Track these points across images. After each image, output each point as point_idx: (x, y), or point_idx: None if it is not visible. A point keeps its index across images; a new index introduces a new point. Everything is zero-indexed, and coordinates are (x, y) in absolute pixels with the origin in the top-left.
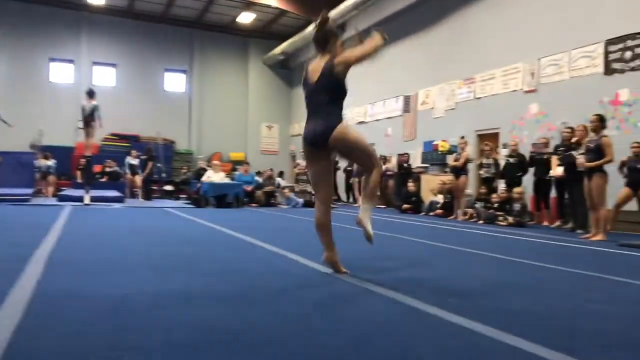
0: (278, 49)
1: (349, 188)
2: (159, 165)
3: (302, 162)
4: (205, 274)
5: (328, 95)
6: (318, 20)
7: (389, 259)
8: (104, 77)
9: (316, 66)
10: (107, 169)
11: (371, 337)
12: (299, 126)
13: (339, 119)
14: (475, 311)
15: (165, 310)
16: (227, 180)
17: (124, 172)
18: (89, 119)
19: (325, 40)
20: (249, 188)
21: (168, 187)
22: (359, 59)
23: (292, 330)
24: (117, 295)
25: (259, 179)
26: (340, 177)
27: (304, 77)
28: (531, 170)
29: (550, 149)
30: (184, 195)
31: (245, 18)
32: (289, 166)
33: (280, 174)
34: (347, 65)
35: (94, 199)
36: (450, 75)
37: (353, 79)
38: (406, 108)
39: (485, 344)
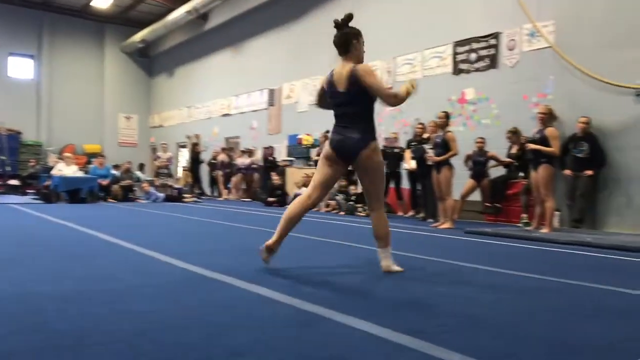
0: (137, 36)
1: (213, 182)
2: (2, 157)
3: (162, 155)
4: (49, 274)
5: (359, 107)
6: (340, 20)
7: (248, 252)
8: None
9: (339, 73)
10: None
11: (226, 329)
12: (159, 117)
13: (373, 136)
14: (329, 299)
15: None
16: (80, 174)
17: None
18: None
19: (347, 43)
20: (104, 182)
21: (14, 182)
22: (375, 92)
23: (139, 328)
24: None
25: (116, 173)
26: (205, 170)
27: (328, 82)
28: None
29: (401, 144)
30: (32, 190)
31: (101, 2)
32: (149, 159)
33: (140, 167)
34: (366, 84)
35: None
36: (313, 70)
37: (218, 71)
38: (271, 101)
39: (340, 330)
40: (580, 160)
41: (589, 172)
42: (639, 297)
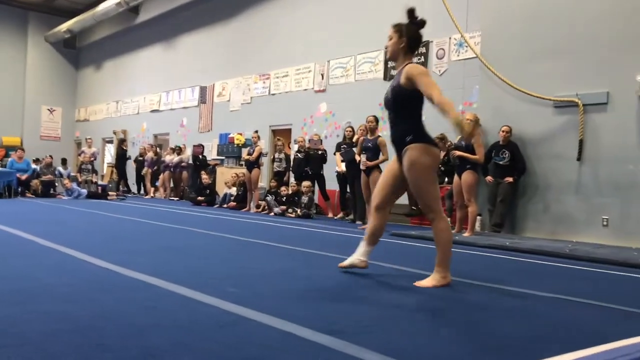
0: (63, 26)
1: (139, 179)
2: None
3: (87, 150)
4: None
5: (395, 110)
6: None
7: (170, 251)
8: None
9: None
10: None
11: (143, 330)
12: (86, 111)
13: (413, 135)
14: (252, 300)
15: None
16: None
17: None
18: None
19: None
20: (23, 176)
21: None
22: (428, 97)
23: (51, 329)
24: None
25: (36, 167)
26: (131, 167)
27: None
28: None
29: (324, 146)
30: None
31: None
32: (73, 154)
33: (63, 162)
34: (413, 83)
35: None
36: (246, 70)
37: (148, 66)
38: (202, 99)
39: (260, 330)
40: (502, 167)
41: (510, 179)
42: (547, 298)
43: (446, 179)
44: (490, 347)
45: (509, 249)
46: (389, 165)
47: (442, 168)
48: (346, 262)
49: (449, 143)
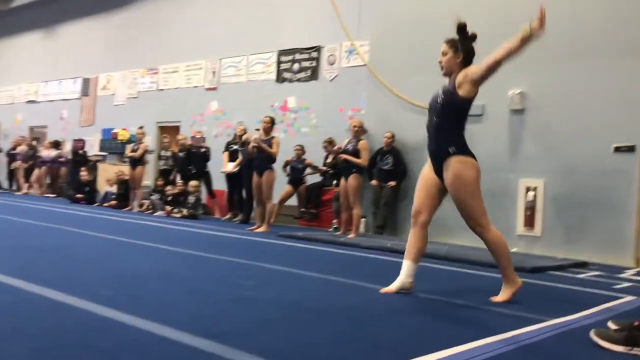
0: None
1: (11, 174)
2: None
3: None
4: None
5: (441, 117)
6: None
7: (40, 252)
8: None
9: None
10: None
11: (2, 337)
12: None
13: (456, 147)
14: (128, 303)
15: None
16: None
17: None
18: None
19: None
20: None
21: None
22: (491, 68)
23: None
24: None
25: None
26: (2, 161)
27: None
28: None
29: (208, 144)
30: None
31: None
32: None
33: None
34: (474, 83)
35: None
36: (133, 63)
37: (25, 53)
38: (85, 91)
39: (134, 335)
40: (386, 172)
41: (392, 183)
42: (424, 299)
43: (334, 182)
44: (368, 347)
45: (390, 250)
46: (427, 179)
47: (331, 171)
48: (394, 286)
49: (337, 146)
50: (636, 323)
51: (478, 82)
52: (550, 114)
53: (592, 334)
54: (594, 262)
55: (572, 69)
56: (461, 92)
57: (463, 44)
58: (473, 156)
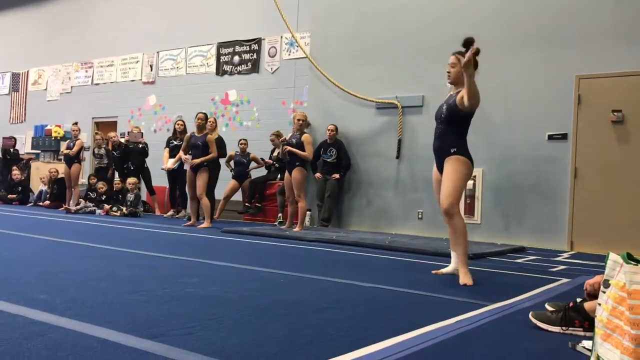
0: None
1: None
2: None
3: None
4: None
5: (446, 124)
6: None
7: None
8: None
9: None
10: None
11: None
12: None
13: (457, 148)
14: (65, 306)
15: None
16: None
17: None
18: None
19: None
20: None
21: None
22: (468, 101)
23: None
24: None
25: None
26: None
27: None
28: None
29: (145, 140)
30: None
31: None
32: None
33: None
34: (464, 106)
35: None
36: (66, 57)
37: None
38: (14, 87)
39: (72, 339)
40: (329, 164)
41: (336, 176)
42: (368, 288)
43: (279, 176)
44: (316, 339)
45: (335, 242)
46: (439, 180)
47: (276, 165)
48: (445, 270)
49: (282, 138)
50: (570, 304)
51: (468, 109)
52: (487, 105)
53: (531, 316)
54: (532, 247)
55: (507, 60)
56: (461, 108)
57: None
58: (471, 159)
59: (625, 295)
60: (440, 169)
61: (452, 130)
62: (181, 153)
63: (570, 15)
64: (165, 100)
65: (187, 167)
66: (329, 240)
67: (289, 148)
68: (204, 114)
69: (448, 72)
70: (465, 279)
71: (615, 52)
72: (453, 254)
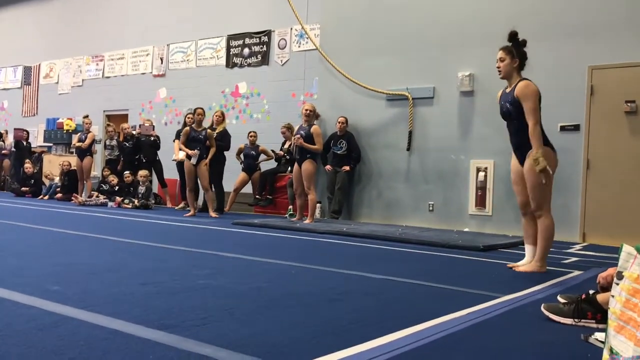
0: None
1: None
2: None
3: None
4: None
5: (518, 120)
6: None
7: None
8: None
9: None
10: None
11: None
12: None
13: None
14: (78, 298)
15: None
16: None
17: None
18: None
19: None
20: None
21: None
22: (527, 120)
23: None
24: None
25: None
26: None
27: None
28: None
29: (156, 132)
30: None
31: None
32: None
33: None
34: (521, 101)
35: None
36: (77, 50)
37: None
38: (27, 80)
39: (85, 330)
40: (340, 156)
41: (347, 168)
42: (379, 280)
43: (289, 168)
44: (327, 330)
45: (346, 234)
46: (517, 173)
47: (287, 157)
48: (520, 263)
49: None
50: (583, 296)
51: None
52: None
53: (543, 308)
54: None
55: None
56: (524, 103)
57: (517, 50)
58: (552, 147)
59: (639, 287)
60: (522, 162)
61: (526, 123)
62: (183, 147)
63: (583, 6)
64: (175, 93)
65: (193, 160)
66: (340, 233)
67: (300, 141)
68: (202, 109)
69: (498, 67)
70: (534, 267)
71: (628, 42)
72: (528, 248)
